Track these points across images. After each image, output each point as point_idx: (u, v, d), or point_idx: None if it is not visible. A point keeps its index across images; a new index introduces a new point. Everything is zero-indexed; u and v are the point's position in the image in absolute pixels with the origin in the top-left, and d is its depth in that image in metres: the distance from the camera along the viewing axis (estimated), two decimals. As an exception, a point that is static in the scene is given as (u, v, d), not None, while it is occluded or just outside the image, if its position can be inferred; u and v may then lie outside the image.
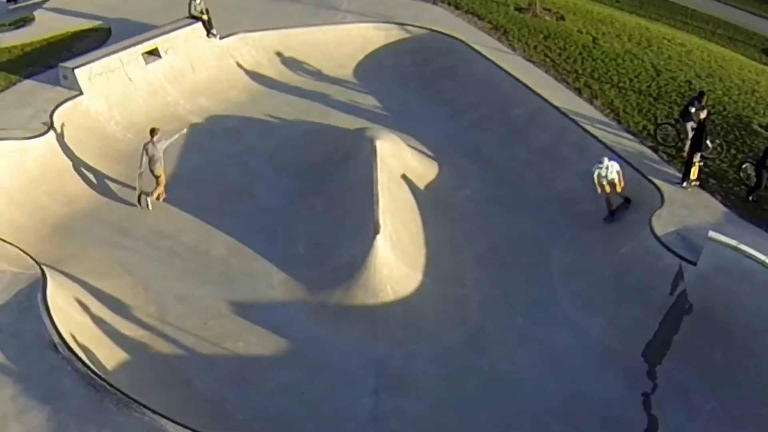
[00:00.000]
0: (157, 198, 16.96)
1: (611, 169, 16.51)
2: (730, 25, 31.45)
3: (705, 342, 13.95)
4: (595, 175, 16.53)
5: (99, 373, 11.84)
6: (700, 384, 13.51)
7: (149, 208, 16.80)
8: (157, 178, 16.79)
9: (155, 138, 16.50)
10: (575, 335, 14.65)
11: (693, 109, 17.60)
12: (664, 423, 13.13)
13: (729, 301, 14.12)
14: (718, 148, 18.24)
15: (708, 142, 17.37)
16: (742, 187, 17.04)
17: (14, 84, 19.42)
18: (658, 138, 18.74)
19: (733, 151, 18.42)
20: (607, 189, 16.72)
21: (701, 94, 18.58)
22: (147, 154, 16.50)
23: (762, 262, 13.96)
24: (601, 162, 16.56)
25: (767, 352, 13.30)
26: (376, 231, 15.07)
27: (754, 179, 16.77)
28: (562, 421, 13.06)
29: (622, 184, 16.74)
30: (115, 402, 11.25)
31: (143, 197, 16.79)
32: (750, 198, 16.68)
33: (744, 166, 17.44)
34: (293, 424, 12.59)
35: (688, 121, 17.74)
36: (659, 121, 19.24)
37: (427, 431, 12.74)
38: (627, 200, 17.11)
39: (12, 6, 24.41)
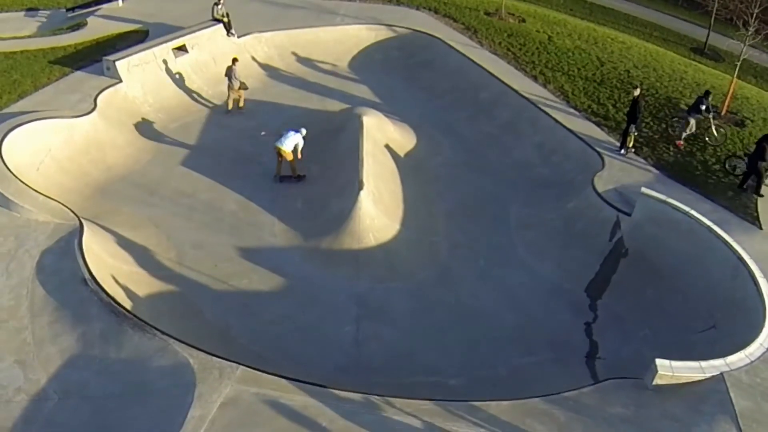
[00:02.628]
0: (239, 106, 18.93)
1: (287, 141, 15.50)
2: (665, 28, 30.48)
3: (638, 280, 13.53)
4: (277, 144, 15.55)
5: (120, 302, 11.30)
6: (634, 315, 13.08)
7: (228, 109, 18.88)
8: (235, 92, 18.60)
9: (235, 66, 18.37)
10: (529, 274, 14.15)
11: (703, 107, 16.33)
12: (602, 347, 12.70)
13: (659, 245, 13.71)
14: (723, 131, 16.77)
15: (639, 117, 16.22)
16: (730, 178, 15.59)
17: (67, 75, 18.80)
18: (669, 131, 17.17)
19: (663, 125, 17.67)
20: (290, 157, 15.67)
21: (707, 93, 16.92)
22: (229, 77, 18.39)
23: (687, 213, 13.57)
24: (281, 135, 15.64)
25: (692, 288, 12.91)
26: (360, 188, 14.54)
27: (743, 169, 15.31)
28: (516, 345, 12.59)
29: (298, 157, 15.75)
30: (131, 325, 10.82)
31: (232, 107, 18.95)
32: (744, 187, 15.13)
33: (729, 158, 15.90)
34: (287, 347, 12.05)
35: (694, 115, 16.44)
36: (673, 116, 17.66)
37: (401, 353, 12.23)
38: (298, 177, 16.03)
39: (70, 14, 23.69)
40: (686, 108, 17.27)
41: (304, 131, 15.83)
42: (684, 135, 16.66)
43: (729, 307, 12.25)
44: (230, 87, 18.59)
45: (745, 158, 15.34)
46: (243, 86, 18.82)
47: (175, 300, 12.70)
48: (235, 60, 18.55)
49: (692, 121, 16.45)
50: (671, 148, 16.76)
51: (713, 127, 16.57)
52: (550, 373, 11.91)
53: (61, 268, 12.08)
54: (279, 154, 15.64)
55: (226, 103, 18.90)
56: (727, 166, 15.87)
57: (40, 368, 10.42)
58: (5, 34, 21.88)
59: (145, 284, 12.81)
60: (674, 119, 17.33)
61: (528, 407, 9.97)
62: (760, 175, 14.96)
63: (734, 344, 11.12)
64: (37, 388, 10.15)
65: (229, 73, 18.43)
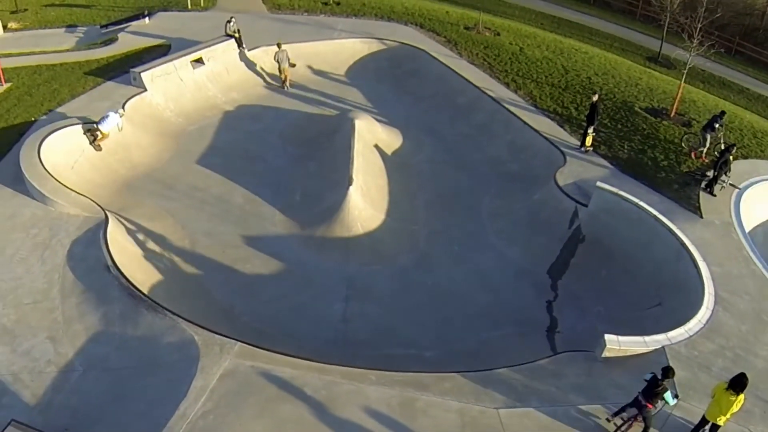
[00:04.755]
0: (288, 84, 19.60)
1: (108, 123, 15.33)
2: (623, 39, 29.70)
3: (594, 263, 13.26)
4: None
5: (137, 286, 11.08)
6: (589, 294, 12.80)
7: (287, 88, 19.61)
8: (284, 71, 19.42)
9: (282, 48, 19.15)
10: (498, 258, 13.84)
11: (717, 125, 15.60)
12: (561, 322, 12.45)
13: (612, 232, 13.45)
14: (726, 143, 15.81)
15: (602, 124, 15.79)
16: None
17: (99, 84, 18.39)
18: (683, 144, 16.23)
19: (619, 126, 17.20)
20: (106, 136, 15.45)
21: (723, 113, 16.22)
22: (278, 58, 19.26)
23: (636, 204, 13.28)
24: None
25: (640, 270, 12.69)
26: (350, 183, 14.23)
27: (712, 173, 14.61)
28: (485, 322, 12.32)
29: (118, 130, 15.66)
30: (146, 306, 10.66)
31: (285, 85, 19.64)
32: (715, 193, 14.36)
33: (707, 164, 15.29)
34: (283, 323, 11.84)
35: (710, 132, 15.59)
36: (686, 132, 16.70)
37: (383, 329, 12.01)
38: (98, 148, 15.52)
39: (104, 30, 23.20)
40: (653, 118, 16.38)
41: (122, 111, 15.90)
42: (704, 151, 15.71)
43: (673, 287, 12.03)
44: (281, 68, 19.24)
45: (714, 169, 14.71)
46: (291, 65, 19.57)
47: (187, 282, 12.48)
48: (279, 44, 19.16)
49: (708, 137, 15.76)
50: (625, 146, 16.35)
51: (721, 142, 15.88)
52: (515, 346, 11.66)
53: (88, 255, 11.90)
54: (100, 132, 15.33)
55: (281, 80, 19.64)
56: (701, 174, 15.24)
57: (68, 343, 10.31)
58: (48, 48, 21.52)
59: (162, 268, 12.58)
60: (684, 136, 16.56)
61: (491, 377, 9.76)
62: (716, 178, 14.45)
63: (677, 320, 10.91)
64: (65, 361, 10.05)
65: (279, 55, 19.04)
